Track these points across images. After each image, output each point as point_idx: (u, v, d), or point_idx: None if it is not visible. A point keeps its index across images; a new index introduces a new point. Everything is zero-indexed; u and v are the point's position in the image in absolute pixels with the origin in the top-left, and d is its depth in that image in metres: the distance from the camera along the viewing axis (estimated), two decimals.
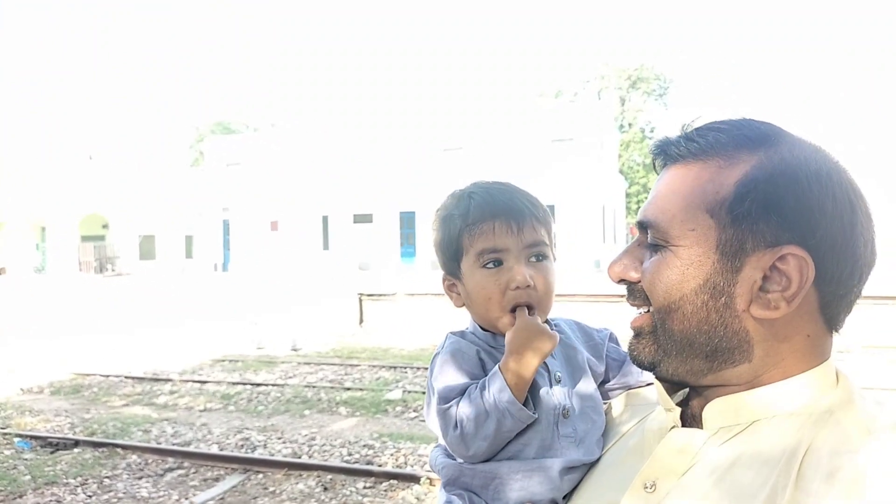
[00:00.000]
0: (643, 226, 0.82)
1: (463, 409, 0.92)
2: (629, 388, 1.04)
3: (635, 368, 1.02)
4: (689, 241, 0.76)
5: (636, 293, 0.82)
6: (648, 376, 1.01)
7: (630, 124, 51.65)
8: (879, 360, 8.63)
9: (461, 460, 0.95)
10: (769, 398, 0.75)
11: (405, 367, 9.12)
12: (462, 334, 1.02)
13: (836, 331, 0.77)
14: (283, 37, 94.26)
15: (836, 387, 0.76)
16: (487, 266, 0.98)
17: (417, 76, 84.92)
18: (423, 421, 6.58)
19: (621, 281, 0.84)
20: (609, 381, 1.04)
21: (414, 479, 4.84)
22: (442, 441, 1.00)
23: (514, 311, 0.96)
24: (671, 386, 0.85)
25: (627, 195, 44.69)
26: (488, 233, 0.97)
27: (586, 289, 13.19)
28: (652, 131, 53.74)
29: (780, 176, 0.73)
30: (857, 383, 0.77)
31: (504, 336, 0.98)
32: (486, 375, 0.95)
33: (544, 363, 0.97)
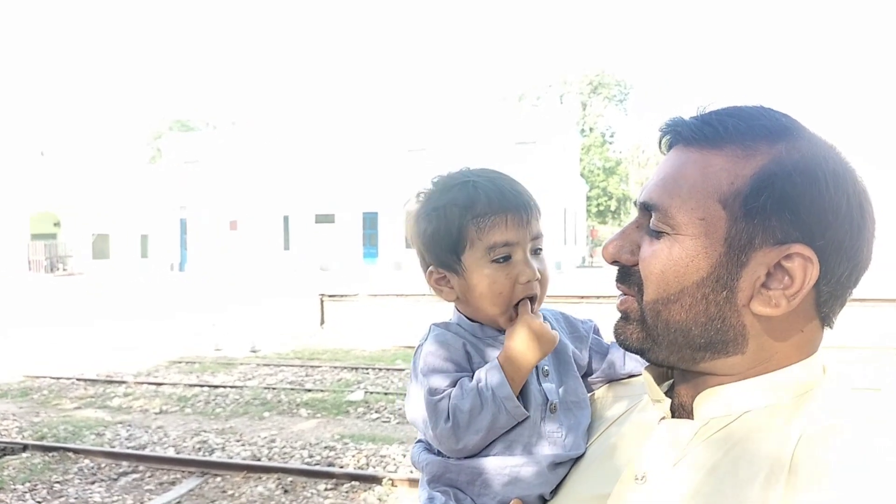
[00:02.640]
0: (646, 207, 0.78)
1: (456, 401, 0.89)
2: (612, 379, 1.03)
3: (619, 359, 1.02)
4: (697, 231, 0.73)
5: (629, 277, 0.80)
6: (632, 367, 1.01)
7: (591, 129, 52.39)
8: None
9: (448, 455, 0.93)
10: (760, 389, 0.75)
11: (367, 369, 9.06)
12: (446, 325, 0.99)
13: (830, 327, 0.77)
14: (245, 34, 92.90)
15: (823, 378, 0.76)
16: (498, 260, 0.95)
17: (382, 76, 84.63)
18: (386, 422, 6.55)
19: (615, 262, 0.81)
20: (593, 373, 1.03)
21: (376, 480, 4.81)
22: (423, 436, 0.98)
23: (516, 304, 0.95)
24: (658, 374, 0.84)
25: (588, 198, 45.30)
26: (500, 225, 0.94)
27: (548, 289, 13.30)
28: (612, 136, 54.65)
29: (799, 173, 0.71)
30: (843, 375, 0.78)
31: (495, 329, 0.97)
32: (471, 368, 0.94)
33: None
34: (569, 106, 40.70)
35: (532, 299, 0.96)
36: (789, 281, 0.71)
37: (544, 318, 1.01)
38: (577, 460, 0.92)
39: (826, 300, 0.74)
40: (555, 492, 0.91)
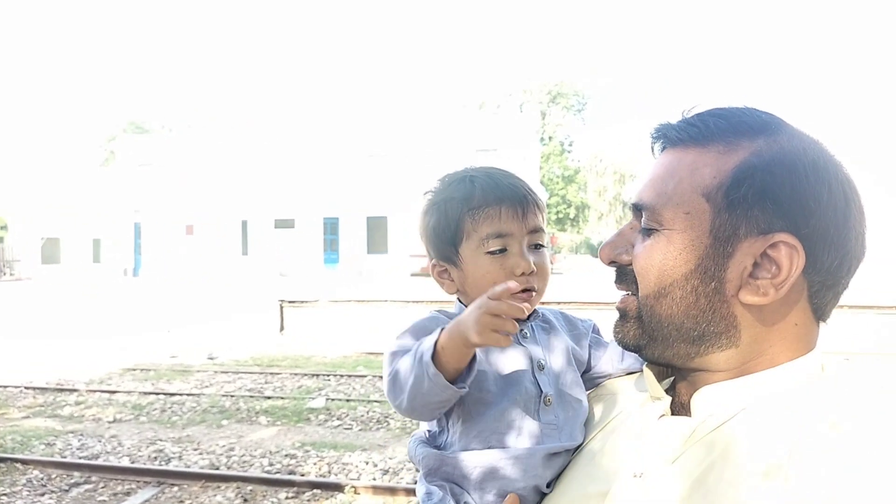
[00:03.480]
0: (637, 208, 0.82)
1: (399, 360, 0.90)
2: (611, 376, 1.04)
3: (617, 357, 1.03)
4: (683, 225, 0.76)
5: (625, 276, 0.83)
6: (630, 364, 1.02)
7: (550, 137, 53.08)
8: None
9: (400, 413, 0.93)
10: (757, 386, 0.76)
11: (328, 375, 8.98)
12: (445, 312, 1.00)
13: (824, 321, 0.79)
14: (202, 36, 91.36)
15: (822, 377, 0.77)
16: (492, 251, 0.96)
17: (343, 81, 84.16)
18: (348, 429, 6.50)
19: (612, 263, 0.84)
20: (591, 370, 1.04)
21: (338, 487, 4.77)
22: (420, 431, 0.99)
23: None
24: (658, 372, 0.86)
25: (548, 206, 45.82)
26: (494, 217, 0.96)
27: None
28: (570, 145, 55.43)
29: (778, 164, 0.73)
30: (842, 373, 0.78)
31: None
32: None
33: (528, 350, 0.97)
34: (528, 114, 41.12)
35: (529, 292, 0.97)
36: (776, 270, 0.73)
37: (541, 315, 1.03)
38: (575, 456, 0.93)
39: (817, 290, 0.76)
40: (553, 486, 0.92)
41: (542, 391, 0.95)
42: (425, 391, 0.85)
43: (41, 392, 8.21)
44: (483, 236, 0.97)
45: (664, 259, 0.77)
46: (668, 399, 0.83)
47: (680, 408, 0.82)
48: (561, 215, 50.38)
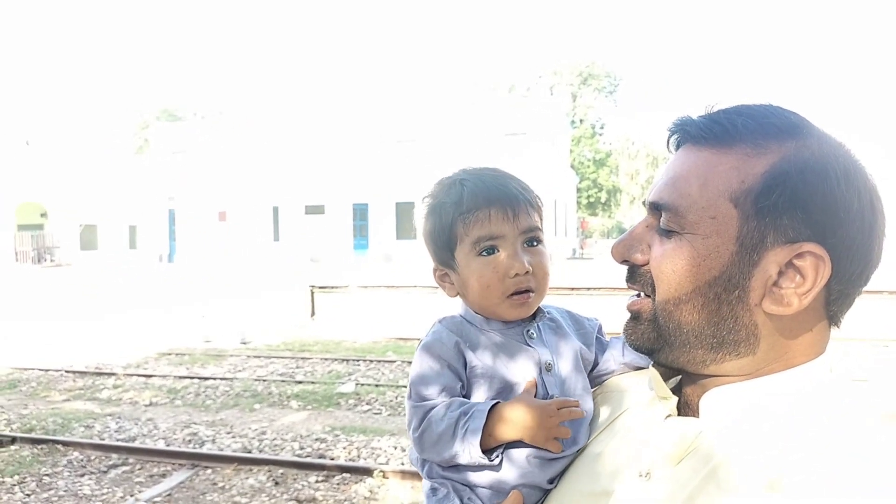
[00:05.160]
0: (656, 207, 0.78)
1: (433, 420, 0.91)
2: (615, 373, 1.03)
3: (619, 353, 1.02)
4: (708, 230, 0.73)
5: (640, 277, 0.80)
6: (633, 360, 1.00)
7: (581, 120, 52.43)
8: None
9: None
10: (767, 389, 0.75)
11: (357, 360, 9.07)
12: (451, 320, 1.00)
13: (837, 327, 0.77)
14: (235, 24, 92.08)
15: (832, 380, 0.76)
16: (484, 254, 0.96)
17: (372, 67, 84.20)
18: (377, 413, 6.56)
19: (625, 262, 0.81)
20: (596, 369, 1.04)
21: (367, 472, 4.82)
22: None
23: (512, 295, 0.95)
24: (665, 371, 0.84)
25: (578, 190, 45.38)
26: (484, 220, 0.96)
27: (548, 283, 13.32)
28: (602, 128, 54.70)
29: (810, 171, 0.70)
30: (849, 375, 0.78)
31: (500, 321, 0.97)
32: (463, 365, 0.94)
33: (535, 351, 0.96)
34: (559, 97, 40.69)
35: (527, 293, 0.96)
36: (801, 280, 0.71)
37: (547, 313, 1.02)
38: (578, 454, 0.92)
39: (836, 299, 0.74)
40: (555, 483, 0.92)
41: (548, 393, 0.94)
42: (462, 461, 0.90)
43: (81, 376, 8.45)
44: (474, 239, 0.97)
45: (687, 264, 0.74)
46: (675, 399, 0.81)
47: (687, 408, 0.81)
48: (592, 199, 49.85)
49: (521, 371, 0.95)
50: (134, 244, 37.30)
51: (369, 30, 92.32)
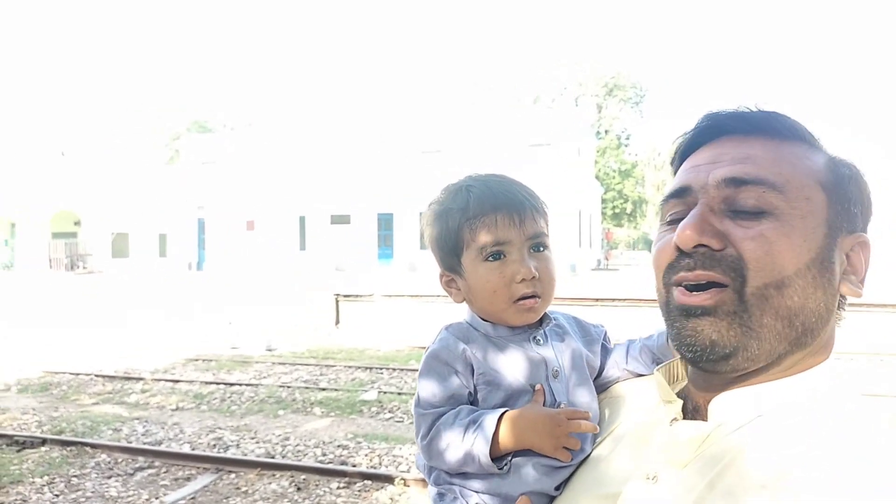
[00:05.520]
0: (737, 182, 0.74)
1: (442, 427, 0.91)
2: (617, 380, 1.03)
3: (622, 360, 1.02)
4: (804, 211, 0.72)
5: (719, 262, 0.72)
6: (636, 368, 1.00)
7: (606, 131, 52.14)
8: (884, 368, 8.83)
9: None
10: (775, 393, 0.74)
11: (381, 369, 9.10)
12: (457, 326, 1.00)
13: (839, 327, 0.78)
14: (263, 36, 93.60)
15: (837, 385, 0.76)
16: (490, 259, 0.96)
17: (397, 78, 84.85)
18: (399, 421, 6.58)
19: (699, 247, 0.73)
20: (601, 376, 1.03)
21: (388, 479, 4.84)
22: None
23: (518, 300, 0.95)
24: (668, 377, 0.84)
25: (603, 201, 45.08)
26: (490, 226, 0.96)
27: (563, 292, 13.24)
28: (627, 138, 54.34)
29: (857, 171, 0.78)
30: (852, 380, 0.78)
31: (506, 327, 0.97)
32: (471, 372, 0.94)
33: (542, 357, 0.96)
34: (584, 108, 40.52)
35: (533, 298, 0.96)
36: (855, 268, 0.76)
37: (554, 319, 1.02)
38: (583, 459, 0.92)
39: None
40: (561, 489, 0.91)
41: (555, 400, 0.94)
42: (471, 469, 0.91)
43: (110, 380, 8.61)
44: (481, 245, 0.97)
45: (790, 244, 0.71)
46: (680, 403, 0.80)
47: (694, 413, 0.80)
48: (617, 210, 49.49)
49: (529, 377, 0.95)
50: (164, 252, 37.94)
51: (395, 41, 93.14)
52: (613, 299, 10.91)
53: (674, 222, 0.78)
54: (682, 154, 0.84)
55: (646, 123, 56.29)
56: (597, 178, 43.37)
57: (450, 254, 1.01)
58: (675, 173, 0.84)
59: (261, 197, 35.05)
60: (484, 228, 0.97)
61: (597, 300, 11.16)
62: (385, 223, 33.29)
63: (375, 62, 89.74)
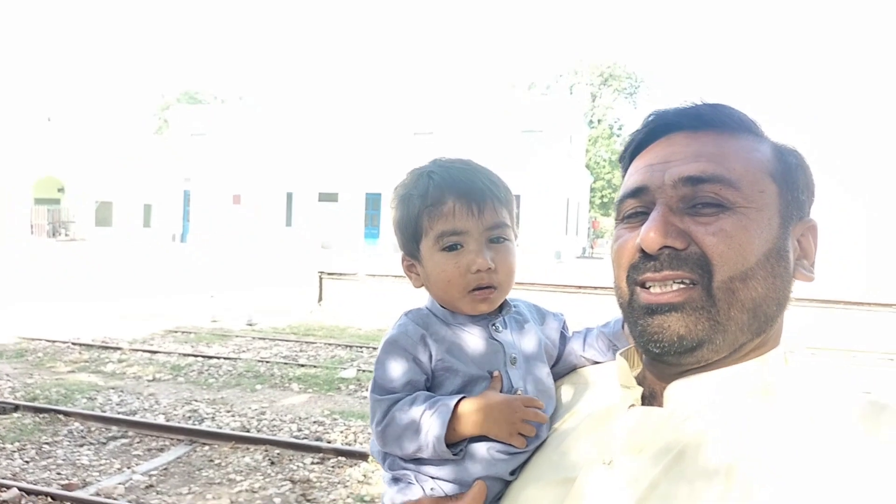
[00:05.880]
0: (696, 181, 0.74)
1: (397, 413, 0.90)
2: (574, 367, 1.03)
3: (580, 348, 1.02)
4: (759, 204, 0.74)
5: (685, 261, 0.73)
6: (592, 355, 1.01)
7: (599, 120, 52.11)
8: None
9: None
10: (730, 379, 0.75)
11: (361, 347, 9.09)
12: (417, 312, 0.99)
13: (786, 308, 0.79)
14: (258, 11, 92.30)
15: (787, 369, 0.77)
16: (447, 248, 0.95)
17: (392, 58, 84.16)
18: None
19: (664, 248, 0.74)
20: (559, 363, 1.03)
21: (362, 456, 4.84)
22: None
23: (473, 291, 0.94)
24: (630, 361, 0.84)
25: (592, 189, 45.17)
26: (448, 214, 0.95)
27: (547, 279, 13.32)
28: (620, 128, 54.35)
29: (802, 158, 0.80)
30: (804, 366, 0.78)
31: (464, 314, 0.96)
32: (429, 358, 0.93)
33: (501, 344, 0.95)
34: (578, 97, 40.46)
35: (489, 289, 0.95)
36: (805, 252, 0.79)
37: (514, 306, 1.01)
38: (539, 446, 0.92)
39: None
40: (516, 474, 0.91)
41: (513, 386, 0.94)
42: (425, 454, 0.89)
43: (87, 348, 8.54)
44: (438, 233, 0.95)
45: (749, 237, 0.73)
46: (640, 389, 0.80)
47: (651, 399, 0.80)
48: (605, 199, 49.58)
49: (487, 364, 0.94)
50: (148, 223, 37.60)
51: (392, 22, 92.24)
52: (596, 287, 10.95)
53: (632, 217, 0.79)
54: (633, 152, 0.84)
55: (639, 114, 56.26)
56: (587, 167, 43.41)
57: (409, 239, 1.00)
58: (624, 171, 0.85)
59: (248, 171, 34.79)
60: (441, 217, 0.95)
61: (580, 287, 11.19)
62: (373, 203, 33.19)
63: (372, 42, 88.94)
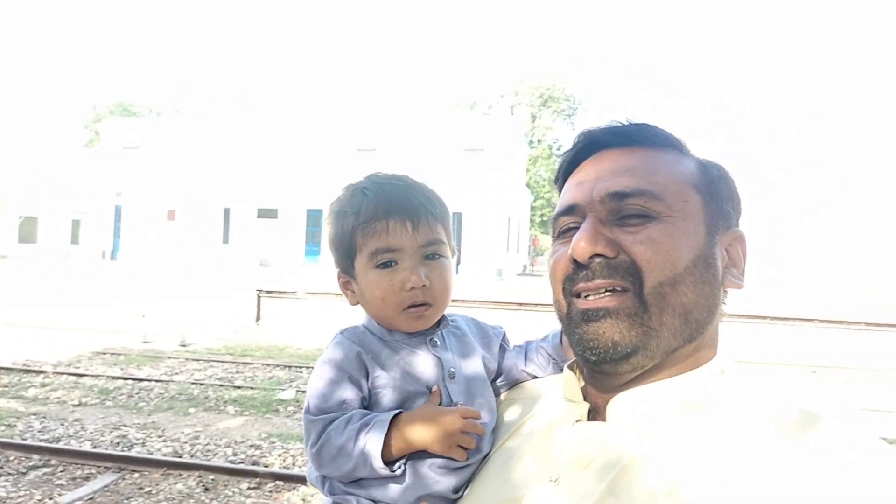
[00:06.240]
0: (622, 196, 0.77)
1: (332, 433, 0.88)
2: (517, 382, 1.03)
3: (521, 363, 1.02)
4: (684, 213, 0.77)
5: (615, 269, 0.75)
6: (534, 370, 1.01)
7: (539, 140, 53.19)
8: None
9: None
10: (669, 391, 0.76)
11: (301, 367, 8.92)
12: (353, 330, 0.98)
13: (721, 322, 0.81)
14: (197, 21, 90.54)
15: (724, 380, 0.78)
16: (381, 266, 0.94)
17: (335, 73, 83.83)
18: None
19: (594, 257, 0.76)
20: (500, 377, 1.03)
21: (301, 480, 4.72)
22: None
23: (408, 308, 0.94)
24: (576, 376, 0.84)
25: (532, 208, 45.96)
26: (381, 232, 0.94)
27: (488, 296, 13.42)
28: (559, 148, 55.56)
29: (725, 171, 0.84)
30: (740, 377, 0.79)
31: (399, 332, 0.95)
32: (366, 377, 0.92)
33: (439, 358, 0.95)
34: (519, 117, 41.17)
35: (423, 306, 0.95)
36: (735, 261, 0.81)
37: (452, 321, 1.01)
38: (484, 462, 0.91)
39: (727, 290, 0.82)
40: (461, 493, 0.90)
41: (452, 401, 0.93)
42: (362, 475, 0.88)
43: (6, 372, 8.07)
44: (372, 251, 0.95)
45: (676, 244, 0.75)
46: (586, 405, 0.81)
47: (595, 414, 0.81)
48: (545, 218, 50.50)
49: (425, 380, 0.94)
50: (76, 239, 36.07)
51: (334, 37, 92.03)
52: (537, 304, 11.09)
53: (566, 233, 0.82)
54: (566, 172, 0.87)
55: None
56: (527, 185, 44.14)
57: (344, 256, 0.99)
58: (559, 190, 0.88)
59: (184, 186, 33.83)
60: (375, 234, 0.94)
61: (521, 304, 11.31)
62: (314, 219, 32.77)
63: (313, 56, 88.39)
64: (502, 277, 29.19)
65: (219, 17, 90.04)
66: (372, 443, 0.85)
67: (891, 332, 10.95)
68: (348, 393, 0.91)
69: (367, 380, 0.93)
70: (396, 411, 0.89)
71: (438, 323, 0.99)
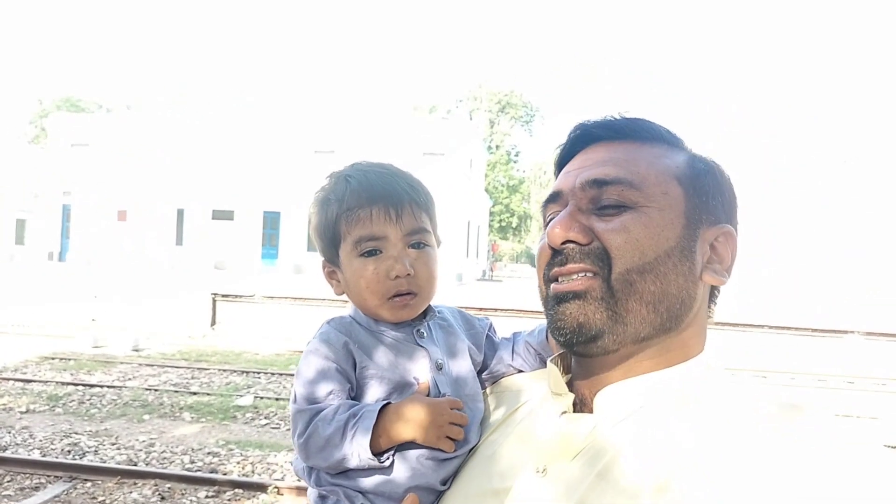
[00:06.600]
0: (600, 184, 0.80)
1: (320, 424, 0.87)
2: (503, 375, 1.04)
3: (508, 356, 1.02)
4: (662, 204, 0.78)
5: (587, 255, 0.78)
6: (520, 364, 1.02)
7: (497, 146, 53.61)
8: None
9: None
10: (658, 385, 0.78)
11: (258, 373, 8.80)
12: (339, 320, 0.97)
13: (712, 319, 0.84)
14: (150, 13, 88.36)
15: (710, 375, 0.80)
16: (365, 254, 0.94)
17: (293, 74, 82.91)
18: (276, 428, 6.39)
19: (567, 243, 0.79)
20: (486, 369, 1.03)
21: (261, 487, 4.68)
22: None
23: (393, 297, 0.93)
24: (565, 369, 0.86)
25: (491, 214, 46.24)
26: (365, 220, 0.93)
27: (449, 300, 13.43)
28: (517, 155, 56.13)
29: (717, 167, 0.85)
30: (726, 374, 0.81)
31: (385, 322, 0.95)
32: (353, 367, 0.92)
33: (426, 350, 0.95)
34: (477, 122, 41.44)
35: (408, 295, 0.95)
36: (722, 258, 0.82)
37: (438, 312, 1.01)
38: (473, 452, 0.92)
39: (717, 288, 0.84)
40: (448, 484, 0.91)
41: (440, 392, 0.93)
42: (351, 465, 0.87)
43: None
44: (356, 239, 0.94)
45: (649, 233, 0.77)
46: (571, 396, 0.82)
47: (581, 405, 0.82)
48: (504, 223, 50.92)
49: (412, 370, 0.94)
50: (21, 240, 34.76)
51: (295, 38, 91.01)
52: (496, 309, 11.20)
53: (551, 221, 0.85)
54: (560, 163, 0.90)
55: (534, 142, 58.36)
56: (486, 191, 44.40)
57: (328, 245, 0.98)
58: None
59: (135, 185, 32.92)
60: (359, 222, 0.94)
61: (480, 309, 11.41)
62: (271, 221, 32.32)
63: (270, 56, 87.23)
64: (462, 282, 29.30)
65: (175, 12, 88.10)
66: (360, 434, 0.85)
67: (838, 338, 11.41)
68: (335, 383, 0.91)
69: (355, 370, 0.92)
70: (384, 402, 0.89)
71: (425, 314, 0.99)
